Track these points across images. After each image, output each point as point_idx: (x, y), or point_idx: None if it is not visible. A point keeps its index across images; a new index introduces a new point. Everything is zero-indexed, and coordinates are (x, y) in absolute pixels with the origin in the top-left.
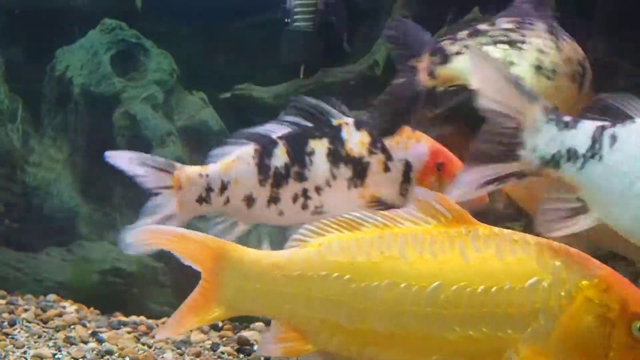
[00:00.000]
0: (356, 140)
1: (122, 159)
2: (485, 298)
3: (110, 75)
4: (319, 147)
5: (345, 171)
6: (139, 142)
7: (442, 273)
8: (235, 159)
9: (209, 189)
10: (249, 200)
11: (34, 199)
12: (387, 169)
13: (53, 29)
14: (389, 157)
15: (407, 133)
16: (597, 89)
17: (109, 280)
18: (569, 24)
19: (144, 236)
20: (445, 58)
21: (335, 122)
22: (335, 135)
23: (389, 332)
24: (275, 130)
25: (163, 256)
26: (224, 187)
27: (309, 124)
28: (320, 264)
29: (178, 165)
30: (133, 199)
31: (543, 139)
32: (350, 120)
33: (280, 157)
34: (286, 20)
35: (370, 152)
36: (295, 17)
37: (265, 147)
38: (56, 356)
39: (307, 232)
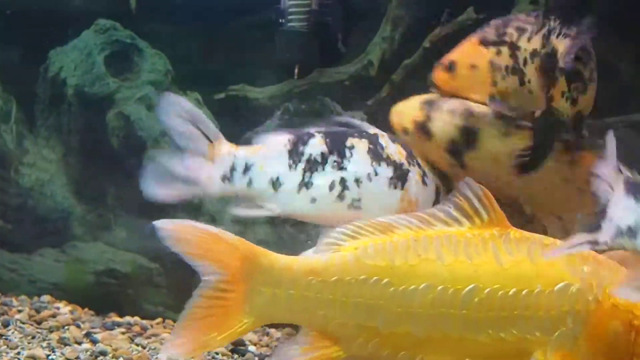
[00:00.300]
0: (394, 150)
1: (171, 112)
2: (516, 301)
3: (104, 75)
4: (359, 144)
5: (386, 170)
6: (133, 143)
7: (477, 276)
8: (264, 145)
9: (232, 169)
10: (275, 183)
11: (27, 199)
12: (424, 182)
13: (47, 30)
14: (424, 173)
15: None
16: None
17: (103, 281)
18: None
19: (175, 228)
20: (585, 87)
21: (371, 130)
22: (374, 139)
23: (424, 335)
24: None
25: (158, 257)
26: (247, 168)
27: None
28: (357, 269)
29: (220, 136)
30: (127, 199)
31: (619, 209)
32: (385, 134)
33: (316, 146)
34: (280, 20)
35: (409, 163)
36: (290, 17)
37: (301, 137)
38: (50, 357)
39: (339, 236)
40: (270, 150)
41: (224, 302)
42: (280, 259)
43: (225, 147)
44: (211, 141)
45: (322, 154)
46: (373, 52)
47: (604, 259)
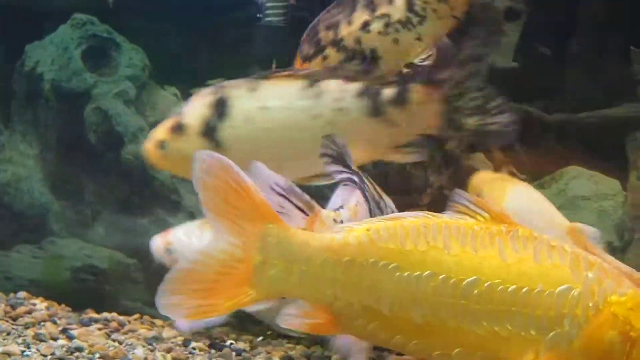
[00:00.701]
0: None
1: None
2: (515, 297)
3: (81, 70)
4: (372, 190)
5: (379, 214)
6: (111, 138)
7: (481, 268)
8: (356, 204)
9: None
10: None
11: (4, 195)
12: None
13: (23, 24)
14: (385, 204)
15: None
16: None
17: (80, 277)
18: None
19: (215, 165)
20: None
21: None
22: (369, 180)
23: (424, 321)
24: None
25: (135, 253)
26: None
27: (350, 172)
28: (370, 250)
29: (316, 207)
30: (105, 195)
31: None
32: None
33: (371, 187)
34: (258, 15)
35: (380, 196)
36: (267, 12)
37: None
38: (25, 353)
39: (351, 224)
40: (361, 207)
41: (232, 270)
42: (298, 234)
43: (326, 216)
44: (306, 214)
45: (376, 208)
46: None
47: (609, 269)
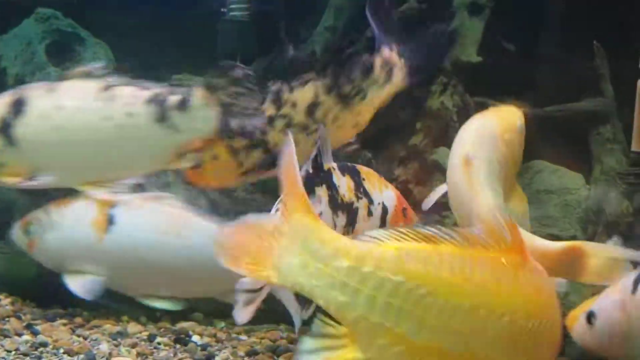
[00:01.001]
0: (345, 186)
1: None
2: (552, 331)
3: (45, 65)
4: (323, 194)
5: (342, 218)
6: None
7: (523, 305)
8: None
9: None
10: None
11: None
12: (370, 213)
13: None
14: (370, 201)
15: (377, 178)
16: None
17: (46, 273)
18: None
19: (287, 149)
20: None
21: (325, 166)
22: (329, 182)
23: (459, 354)
24: None
25: None
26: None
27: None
28: (395, 269)
29: None
30: (71, 191)
31: None
32: (335, 164)
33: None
34: (222, 9)
35: (358, 198)
36: (231, 6)
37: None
38: None
39: (383, 235)
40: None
41: (264, 242)
42: (324, 232)
43: None
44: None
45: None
46: (316, 41)
47: None
